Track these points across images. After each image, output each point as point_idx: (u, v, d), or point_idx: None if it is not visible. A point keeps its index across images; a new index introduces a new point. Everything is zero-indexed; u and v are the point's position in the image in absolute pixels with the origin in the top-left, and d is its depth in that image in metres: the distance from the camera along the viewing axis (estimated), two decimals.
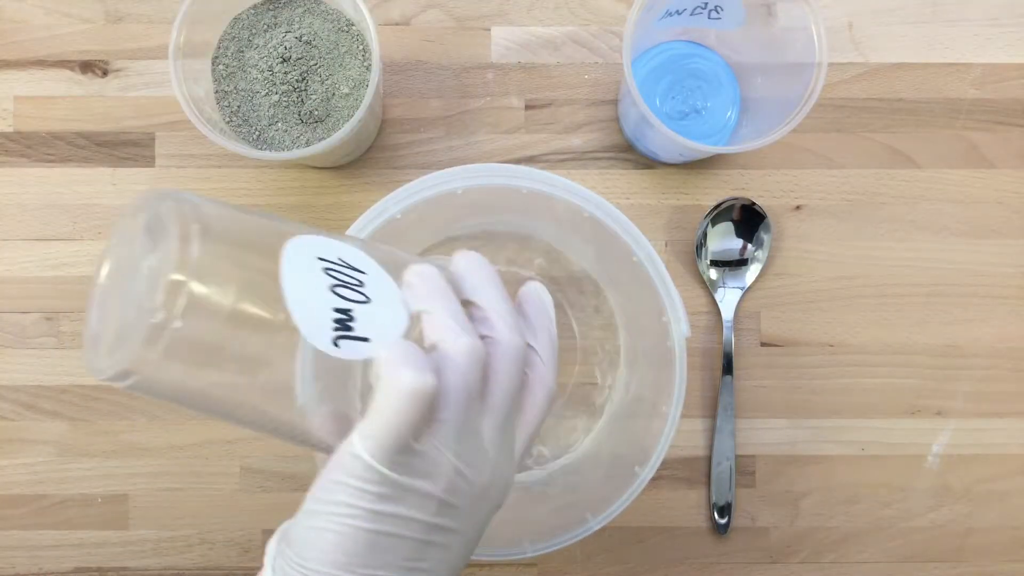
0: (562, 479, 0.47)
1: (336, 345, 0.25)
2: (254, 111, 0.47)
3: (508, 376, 0.27)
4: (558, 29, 0.51)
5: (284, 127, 0.47)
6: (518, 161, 0.50)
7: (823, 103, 0.51)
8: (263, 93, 0.47)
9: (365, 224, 0.40)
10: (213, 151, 0.50)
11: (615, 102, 0.51)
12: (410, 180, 0.41)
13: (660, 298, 0.40)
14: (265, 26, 0.47)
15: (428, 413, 0.25)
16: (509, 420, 0.28)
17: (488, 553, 0.41)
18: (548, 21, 0.51)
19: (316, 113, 0.46)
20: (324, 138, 0.46)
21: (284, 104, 0.46)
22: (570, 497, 0.45)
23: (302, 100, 0.46)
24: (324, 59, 0.47)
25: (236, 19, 0.47)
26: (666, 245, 0.50)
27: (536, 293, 0.31)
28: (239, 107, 0.47)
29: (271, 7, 0.47)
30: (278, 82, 0.46)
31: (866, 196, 0.51)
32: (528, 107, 0.51)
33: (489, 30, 0.51)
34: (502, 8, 0.51)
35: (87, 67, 0.51)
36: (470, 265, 0.29)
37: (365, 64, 0.47)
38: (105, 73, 0.51)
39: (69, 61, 0.50)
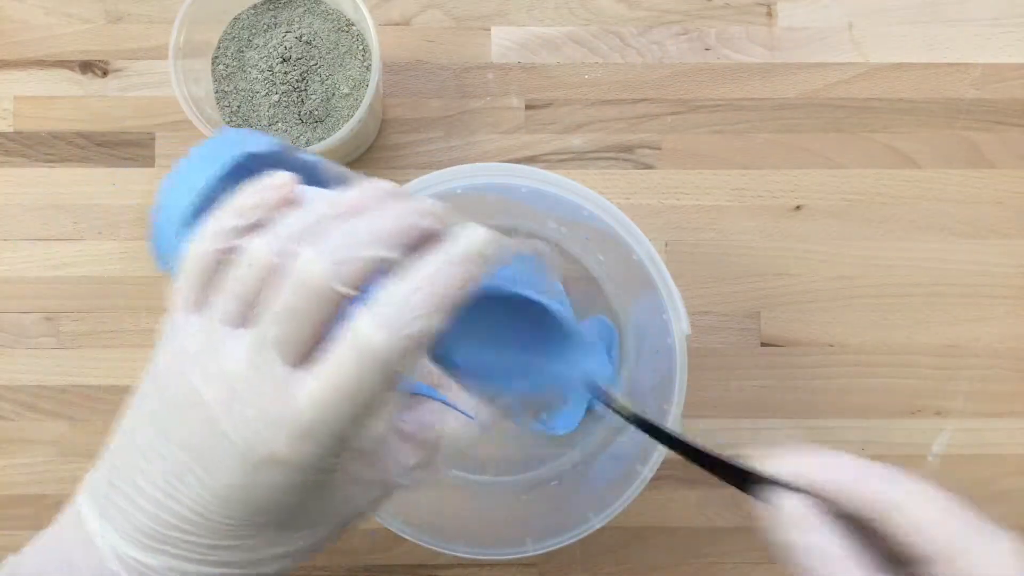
0: (563, 478, 0.47)
1: None
2: (254, 111, 0.47)
3: (280, 300, 0.24)
4: (558, 29, 0.51)
5: (284, 127, 0.47)
6: (518, 161, 0.50)
7: (823, 103, 0.51)
8: (263, 93, 0.47)
9: None
10: None
11: (615, 102, 0.51)
12: (410, 180, 0.41)
13: (660, 297, 0.40)
14: (265, 26, 0.47)
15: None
16: (265, 347, 0.24)
17: (489, 552, 0.41)
18: (548, 21, 0.51)
19: (316, 113, 0.46)
20: (324, 138, 0.46)
21: (284, 104, 0.46)
22: (571, 496, 0.45)
23: (302, 100, 0.46)
24: (324, 59, 0.47)
25: (236, 19, 0.47)
26: (666, 245, 0.50)
27: (466, 238, 0.24)
28: (239, 107, 0.47)
29: (271, 7, 0.47)
30: (278, 82, 0.46)
31: (866, 196, 0.51)
32: (528, 107, 0.51)
33: (489, 30, 0.51)
34: (502, 8, 0.51)
35: (87, 67, 0.51)
36: (361, 189, 0.25)
37: (365, 64, 0.47)
38: (105, 73, 0.51)
39: (69, 61, 0.50)
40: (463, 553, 0.41)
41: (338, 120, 0.46)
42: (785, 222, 0.51)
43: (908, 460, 0.50)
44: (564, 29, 0.51)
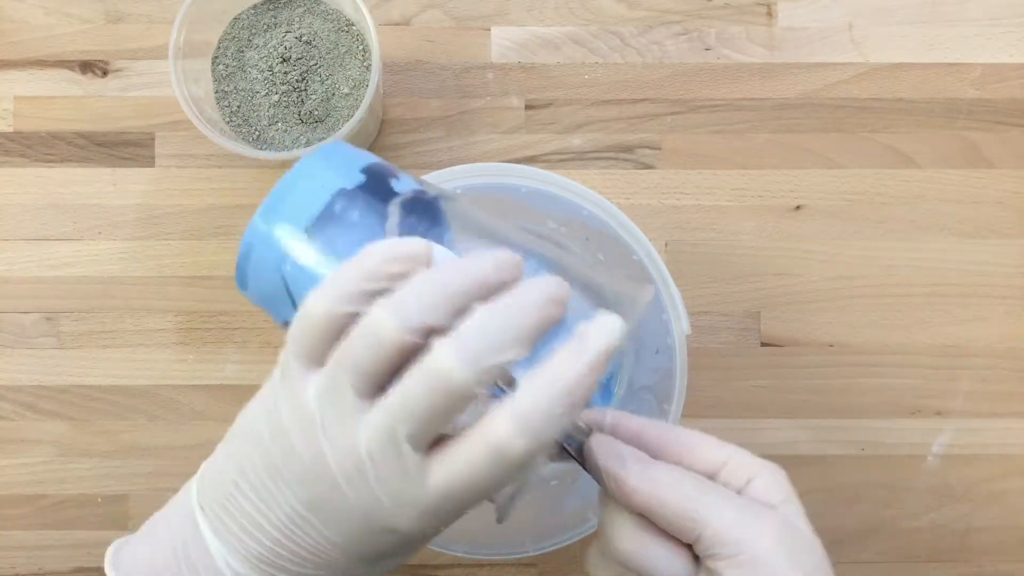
0: (564, 477, 0.47)
1: None
2: (254, 111, 0.47)
3: (413, 389, 0.24)
4: (558, 29, 0.51)
5: (284, 127, 0.47)
6: (518, 161, 0.50)
7: (823, 103, 0.51)
8: (263, 93, 0.47)
9: None
10: (213, 151, 0.50)
11: (615, 102, 0.51)
12: None
13: (660, 297, 0.40)
14: (265, 26, 0.47)
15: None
16: (401, 442, 0.24)
17: (490, 552, 0.41)
18: (548, 21, 0.51)
19: (316, 113, 0.46)
20: (324, 138, 0.46)
21: (284, 104, 0.46)
22: (572, 496, 0.45)
23: (302, 100, 0.46)
24: (324, 59, 0.47)
25: (236, 19, 0.47)
26: (666, 245, 0.50)
27: (600, 337, 0.25)
28: (239, 107, 0.47)
29: (271, 7, 0.47)
30: (278, 82, 0.46)
31: (866, 196, 0.51)
32: (528, 107, 0.51)
33: (489, 30, 0.51)
34: (502, 8, 0.51)
35: (87, 67, 0.51)
36: (524, 290, 0.24)
37: (365, 64, 0.47)
38: (105, 73, 0.51)
39: (69, 61, 0.50)
40: (463, 553, 0.41)
41: (338, 120, 0.46)
42: (785, 222, 0.51)
43: (908, 460, 0.50)
44: (564, 29, 0.51)
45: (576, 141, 0.51)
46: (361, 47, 0.47)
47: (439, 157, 0.50)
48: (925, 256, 0.51)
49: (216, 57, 0.47)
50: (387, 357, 0.24)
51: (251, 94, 0.47)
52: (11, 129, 0.50)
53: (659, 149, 0.51)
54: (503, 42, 0.51)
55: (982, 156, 0.51)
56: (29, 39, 0.51)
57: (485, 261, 0.25)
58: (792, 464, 0.50)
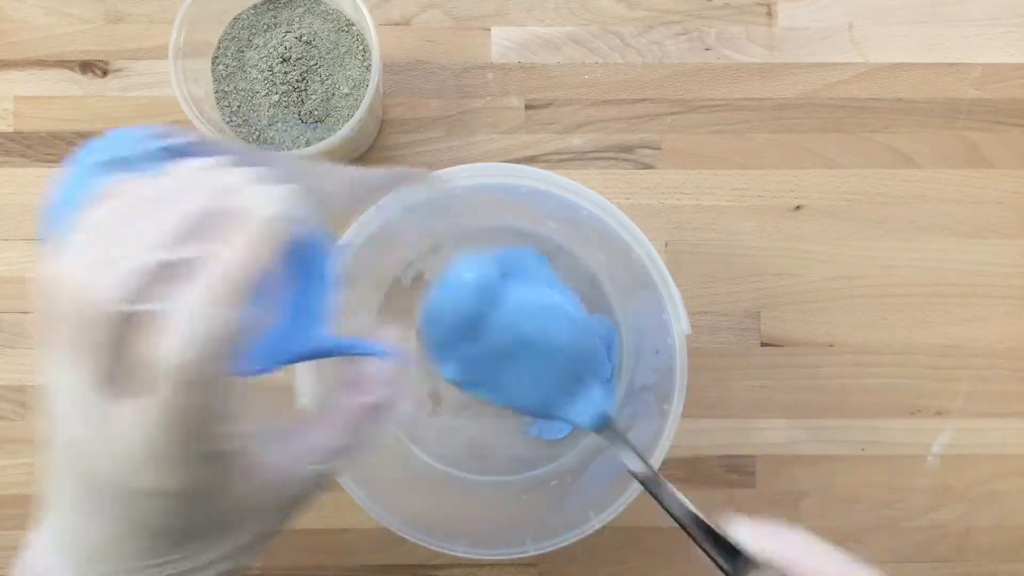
0: (563, 477, 0.47)
1: None
2: (254, 111, 0.47)
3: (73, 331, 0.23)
4: (558, 29, 0.51)
5: (284, 127, 0.47)
6: (518, 161, 0.50)
7: (823, 103, 0.51)
8: (263, 93, 0.47)
9: (364, 224, 0.40)
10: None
11: (615, 102, 0.51)
12: None
13: (660, 297, 0.40)
14: (265, 26, 0.47)
15: None
16: (87, 390, 0.23)
17: (490, 552, 0.41)
18: (548, 21, 0.51)
19: (316, 113, 0.46)
20: (324, 138, 0.46)
21: (284, 104, 0.46)
22: (571, 495, 0.45)
23: (302, 100, 0.46)
24: (324, 59, 0.47)
25: (236, 19, 0.47)
26: (666, 245, 0.50)
27: (258, 210, 0.23)
28: (239, 107, 0.47)
29: (271, 7, 0.47)
30: (278, 82, 0.46)
31: (866, 196, 0.51)
32: (528, 107, 0.51)
33: (489, 30, 0.51)
34: (502, 8, 0.51)
35: (87, 67, 0.51)
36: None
37: (365, 64, 0.47)
38: (105, 73, 0.51)
39: (69, 61, 0.50)
40: (463, 553, 0.41)
41: (338, 120, 0.46)
42: (785, 222, 0.51)
43: (908, 460, 0.50)
44: (564, 29, 0.51)
45: (576, 141, 0.51)
46: (361, 47, 0.47)
47: (439, 157, 0.50)
48: (925, 256, 0.51)
49: (216, 57, 0.47)
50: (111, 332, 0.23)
51: (251, 94, 0.47)
52: (11, 129, 0.50)
53: (659, 149, 0.51)
54: (503, 42, 0.51)
55: (982, 156, 0.51)
56: (29, 39, 0.51)
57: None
58: (792, 464, 0.50)
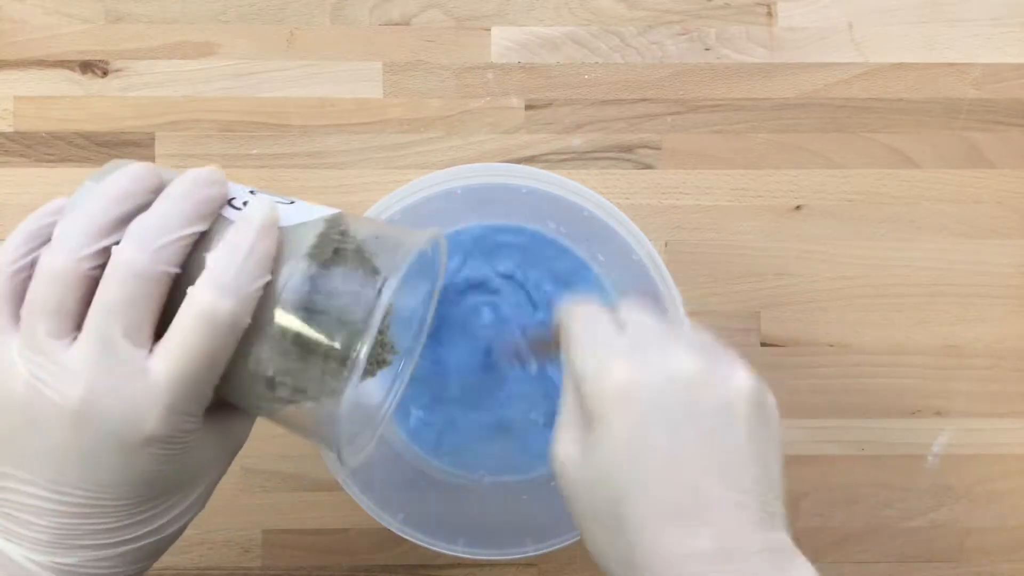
0: None
1: None
2: None
3: (112, 294, 0.26)
4: (558, 29, 0.51)
5: None
6: (518, 161, 0.50)
7: (823, 103, 0.51)
8: None
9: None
10: (213, 151, 0.50)
11: (615, 102, 0.51)
12: (410, 180, 0.41)
13: (661, 296, 0.40)
14: None
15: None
16: (113, 338, 0.26)
17: (490, 552, 0.41)
18: (548, 21, 0.51)
19: None
20: None
21: None
22: None
23: None
24: None
25: None
26: (666, 245, 0.50)
27: (251, 209, 0.28)
28: None
29: None
30: None
31: (866, 196, 0.51)
32: (528, 107, 0.51)
33: (489, 30, 0.51)
34: (502, 8, 0.51)
35: (87, 67, 0.51)
36: (179, 182, 0.28)
37: None
38: (105, 73, 0.51)
39: (69, 61, 0.50)
40: (463, 553, 0.41)
41: None
42: (785, 222, 0.51)
43: (908, 460, 0.50)
44: (564, 29, 0.51)
45: (576, 141, 0.51)
46: None
47: (439, 157, 0.50)
48: (925, 256, 0.51)
49: None
50: (67, 288, 0.26)
51: None
52: (11, 129, 0.50)
53: (659, 149, 0.51)
54: (503, 42, 0.51)
55: (982, 156, 0.51)
56: (29, 39, 0.51)
57: (121, 178, 0.29)
58: (792, 464, 0.50)
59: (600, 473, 0.29)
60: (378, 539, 0.49)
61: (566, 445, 0.31)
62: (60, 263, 0.27)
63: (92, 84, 0.50)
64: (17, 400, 0.26)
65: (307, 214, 0.31)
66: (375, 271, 0.30)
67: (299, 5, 0.51)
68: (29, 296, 0.27)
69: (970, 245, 0.51)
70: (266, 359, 0.28)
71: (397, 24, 0.51)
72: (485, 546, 0.41)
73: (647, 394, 0.29)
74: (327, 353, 0.28)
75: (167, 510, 0.29)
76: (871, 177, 0.51)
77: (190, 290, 0.26)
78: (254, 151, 0.50)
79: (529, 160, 0.50)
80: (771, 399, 0.32)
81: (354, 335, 0.29)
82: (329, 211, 0.32)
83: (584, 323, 0.32)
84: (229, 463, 0.32)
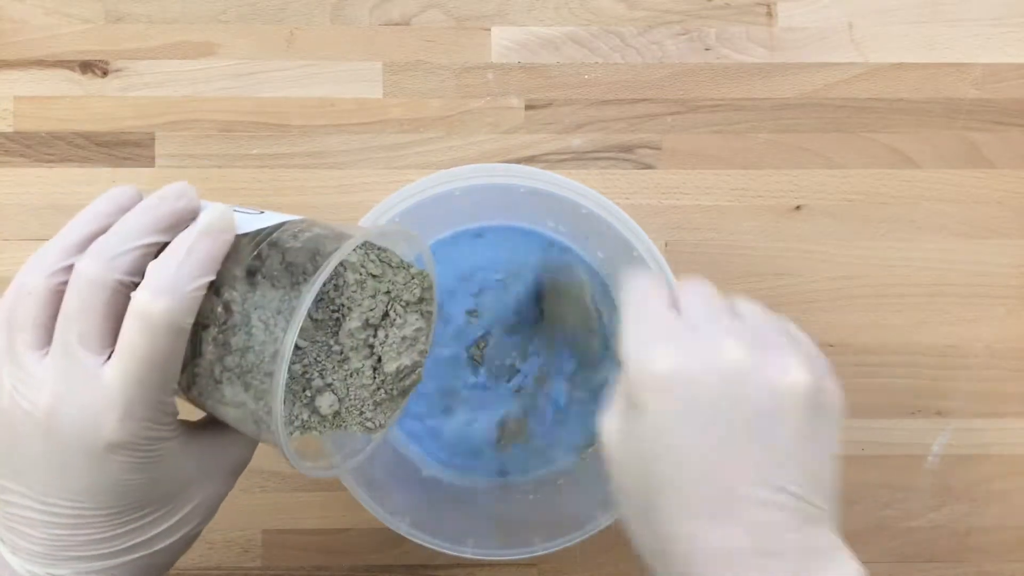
0: (570, 476, 0.47)
1: None
2: None
3: (70, 304, 0.27)
4: (558, 29, 0.51)
5: None
6: (518, 161, 0.50)
7: (823, 103, 0.51)
8: None
9: (364, 225, 0.40)
10: (213, 151, 0.50)
11: (615, 102, 0.51)
12: (410, 180, 0.41)
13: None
14: None
15: None
16: (71, 346, 0.27)
17: (497, 552, 0.41)
18: (548, 21, 0.51)
19: None
20: None
21: None
22: (579, 494, 0.45)
23: None
24: None
25: None
26: (666, 245, 0.50)
27: (201, 215, 0.29)
28: None
29: None
30: None
31: (866, 196, 0.51)
32: (528, 107, 0.51)
33: (489, 30, 0.51)
34: (502, 8, 0.51)
35: (87, 67, 0.51)
36: (149, 197, 0.29)
37: None
38: (105, 73, 0.51)
39: (69, 61, 0.50)
40: (470, 554, 0.41)
41: None
42: (785, 222, 0.51)
43: (908, 460, 0.50)
44: (564, 29, 0.51)
45: (576, 141, 0.51)
46: None
47: (439, 157, 0.50)
48: (925, 256, 0.51)
49: None
50: (41, 306, 0.28)
51: None
52: (11, 129, 0.50)
53: (659, 149, 0.51)
54: (503, 42, 0.51)
55: (982, 156, 0.51)
56: (29, 39, 0.50)
57: (98, 200, 0.30)
58: None
59: (635, 458, 0.29)
60: (378, 539, 0.49)
61: (612, 418, 0.30)
62: (31, 280, 0.28)
63: (92, 84, 0.50)
64: (4, 414, 0.27)
65: (266, 222, 0.30)
66: (295, 284, 0.29)
67: (299, 5, 0.51)
68: (8, 313, 0.28)
69: (970, 245, 0.51)
70: (209, 386, 0.29)
71: (397, 24, 0.51)
72: (493, 547, 0.41)
73: (686, 386, 0.28)
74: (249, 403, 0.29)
75: (154, 523, 0.29)
76: (871, 177, 0.51)
77: (132, 294, 0.27)
78: (254, 151, 0.50)
79: (529, 160, 0.50)
80: (831, 397, 0.31)
81: (261, 394, 0.29)
82: (292, 219, 0.31)
83: (638, 301, 0.31)
84: (230, 481, 0.33)
